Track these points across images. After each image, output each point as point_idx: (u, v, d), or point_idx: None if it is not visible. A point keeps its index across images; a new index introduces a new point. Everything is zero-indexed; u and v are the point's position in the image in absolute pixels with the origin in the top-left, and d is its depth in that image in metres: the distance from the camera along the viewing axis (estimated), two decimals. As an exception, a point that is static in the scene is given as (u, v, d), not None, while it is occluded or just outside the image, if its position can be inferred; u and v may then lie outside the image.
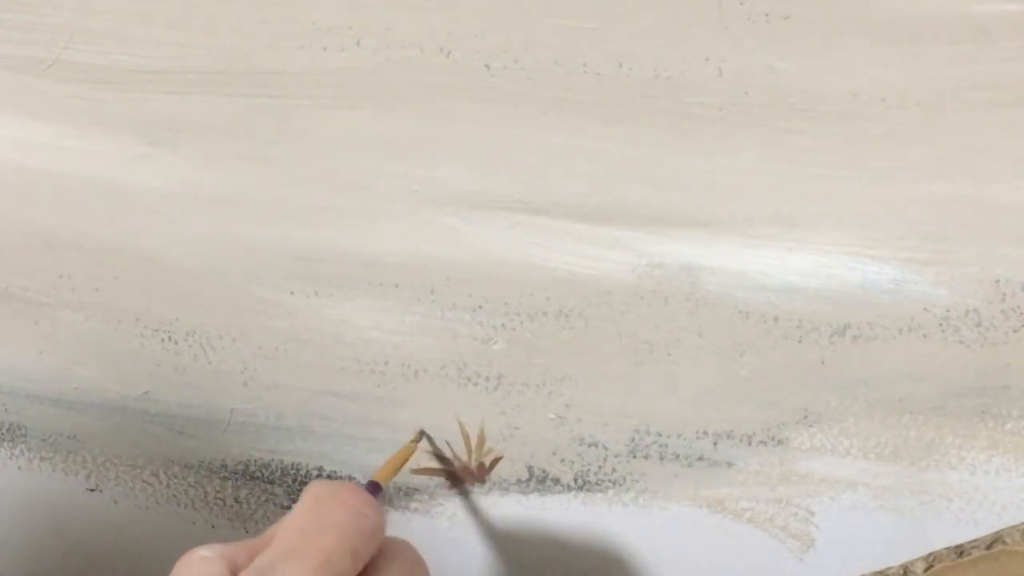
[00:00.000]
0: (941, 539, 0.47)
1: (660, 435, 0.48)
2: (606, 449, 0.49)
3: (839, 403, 0.47)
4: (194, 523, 0.53)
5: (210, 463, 0.53)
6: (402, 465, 0.48)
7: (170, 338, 0.51)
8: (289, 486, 0.52)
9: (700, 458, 0.48)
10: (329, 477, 0.52)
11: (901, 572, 0.47)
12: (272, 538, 0.37)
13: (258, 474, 0.52)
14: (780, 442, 0.47)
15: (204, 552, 0.37)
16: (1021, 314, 0.45)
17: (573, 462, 0.49)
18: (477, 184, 0.47)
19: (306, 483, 0.52)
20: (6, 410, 0.54)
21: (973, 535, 0.46)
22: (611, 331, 0.47)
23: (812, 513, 0.48)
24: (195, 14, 0.48)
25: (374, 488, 0.44)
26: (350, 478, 0.51)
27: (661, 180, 0.46)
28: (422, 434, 0.50)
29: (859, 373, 0.46)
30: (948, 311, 0.45)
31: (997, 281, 0.45)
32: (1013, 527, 0.46)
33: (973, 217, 0.44)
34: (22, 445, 0.54)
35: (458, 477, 0.51)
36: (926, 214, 0.45)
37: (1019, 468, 0.46)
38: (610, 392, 0.48)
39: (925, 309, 0.45)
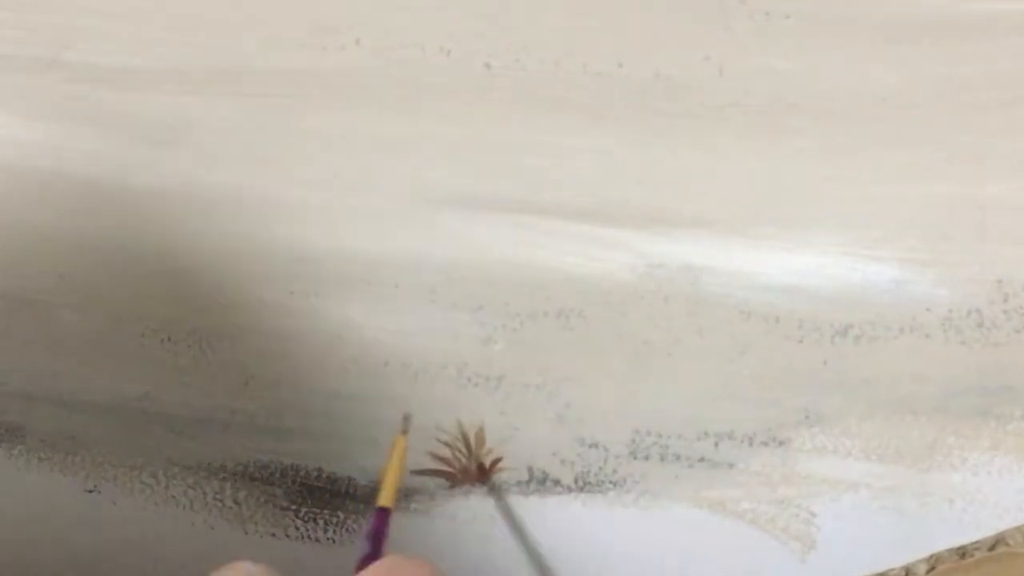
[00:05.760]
0: (943, 540, 0.47)
1: (661, 436, 0.48)
2: (607, 450, 0.49)
3: (841, 404, 0.46)
4: (193, 524, 0.53)
5: (210, 464, 0.52)
6: (400, 470, 0.45)
7: (170, 338, 0.51)
8: (289, 487, 0.52)
9: (701, 459, 0.48)
10: (329, 478, 0.52)
11: (903, 574, 0.47)
12: None
13: (258, 475, 0.52)
14: (782, 443, 0.47)
15: (255, 569, 0.35)
16: (1023, 314, 0.45)
17: (573, 463, 0.49)
18: (477, 184, 0.47)
19: (306, 484, 0.52)
20: (6, 410, 0.54)
21: (975, 536, 0.46)
22: (611, 331, 0.47)
23: (814, 514, 0.48)
24: (195, 14, 0.48)
25: (384, 516, 0.42)
26: (350, 479, 0.51)
27: (661, 180, 0.46)
28: (407, 420, 0.46)
29: (861, 373, 0.46)
30: (950, 311, 0.45)
31: (999, 281, 0.44)
32: (1016, 528, 0.46)
33: (973, 217, 0.44)
34: (21, 445, 0.54)
35: (458, 478, 0.51)
36: (926, 214, 0.45)
37: (1022, 469, 0.46)
38: (610, 392, 0.48)
39: (927, 309, 0.45)
